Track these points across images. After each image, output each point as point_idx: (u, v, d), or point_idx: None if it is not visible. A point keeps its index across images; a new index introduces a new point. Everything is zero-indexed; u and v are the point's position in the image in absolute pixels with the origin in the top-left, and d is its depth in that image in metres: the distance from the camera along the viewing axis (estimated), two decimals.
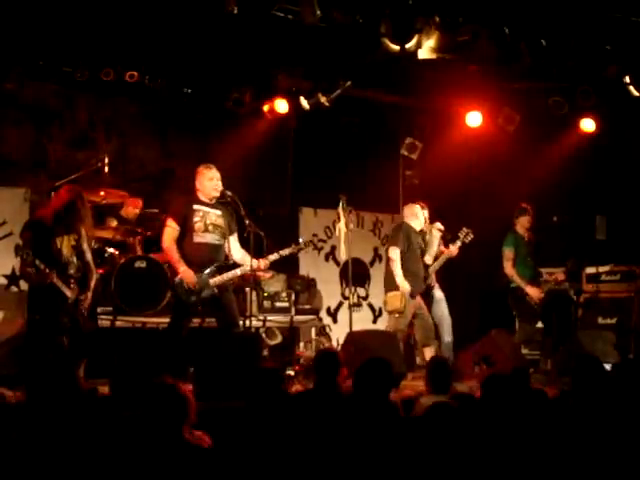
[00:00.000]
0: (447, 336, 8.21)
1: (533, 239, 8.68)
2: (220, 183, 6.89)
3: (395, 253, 8.01)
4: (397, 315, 7.87)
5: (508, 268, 8.49)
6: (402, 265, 7.97)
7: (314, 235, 10.27)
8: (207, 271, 6.76)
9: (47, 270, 6.22)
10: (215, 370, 6.09)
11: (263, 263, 6.95)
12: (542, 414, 4.16)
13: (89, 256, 6.68)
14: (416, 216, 8.26)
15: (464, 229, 8.25)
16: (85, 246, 6.64)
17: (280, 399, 4.54)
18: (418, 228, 8.23)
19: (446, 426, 3.65)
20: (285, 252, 7.10)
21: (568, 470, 3.71)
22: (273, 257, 7.01)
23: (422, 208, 8.35)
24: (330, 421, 4.26)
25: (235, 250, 6.99)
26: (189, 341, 6.77)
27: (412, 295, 7.91)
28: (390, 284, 8.01)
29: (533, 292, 8.47)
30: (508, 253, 8.51)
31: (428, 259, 8.23)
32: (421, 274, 8.10)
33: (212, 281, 6.76)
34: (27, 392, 4.23)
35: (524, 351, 8.81)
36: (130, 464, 3.56)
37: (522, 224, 8.62)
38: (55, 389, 3.93)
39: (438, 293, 8.36)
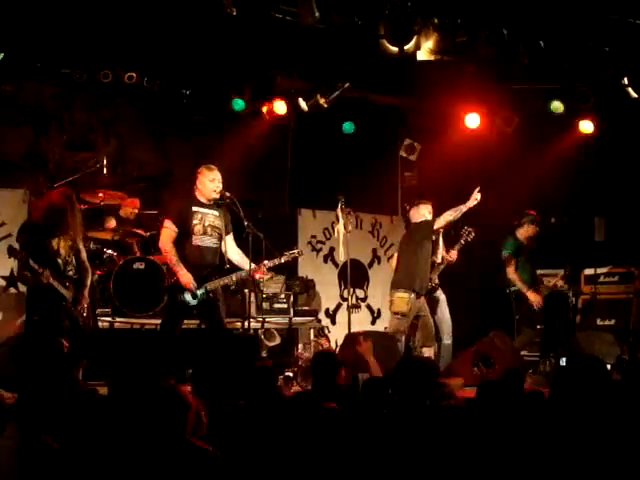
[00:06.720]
0: (447, 338, 8.18)
1: (533, 245, 8.64)
2: (221, 185, 6.84)
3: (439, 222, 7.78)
4: (400, 317, 7.84)
5: (510, 272, 8.45)
6: (414, 264, 7.93)
7: (313, 237, 10.27)
8: (205, 276, 6.73)
9: (41, 270, 6.23)
10: (213, 371, 6.09)
11: (262, 270, 6.92)
12: (538, 415, 4.15)
13: (84, 255, 6.70)
14: (427, 217, 8.16)
15: (465, 227, 8.17)
16: (80, 245, 6.67)
17: (274, 398, 4.53)
18: None
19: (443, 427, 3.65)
20: (281, 260, 7.04)
21: (566, 471, 3.71)
22: (269, 264, 6.98)
23: (426, 204, 8.28)
24: (330, 423, 4.25)
25: (232, 250, 6.92)
26: (188, 342, 6.76)
27: (419, 295, 7.88)
28: (398, 283, 7.92)
29: (533, 298, 8.43)
30: (509, 257, 8.47)
31: (437, 258, 8.19)
32: (428, 275, 8.06)
33: (208, 285, 6.73)
34: (21, 393, 4.22)
35: (523, 353, 8.80)
36: (129, 465, 3.55)
37: (527, 231, 8.55)
38: (52, 390, 3.92)
39: (441, 294, 8.34)
